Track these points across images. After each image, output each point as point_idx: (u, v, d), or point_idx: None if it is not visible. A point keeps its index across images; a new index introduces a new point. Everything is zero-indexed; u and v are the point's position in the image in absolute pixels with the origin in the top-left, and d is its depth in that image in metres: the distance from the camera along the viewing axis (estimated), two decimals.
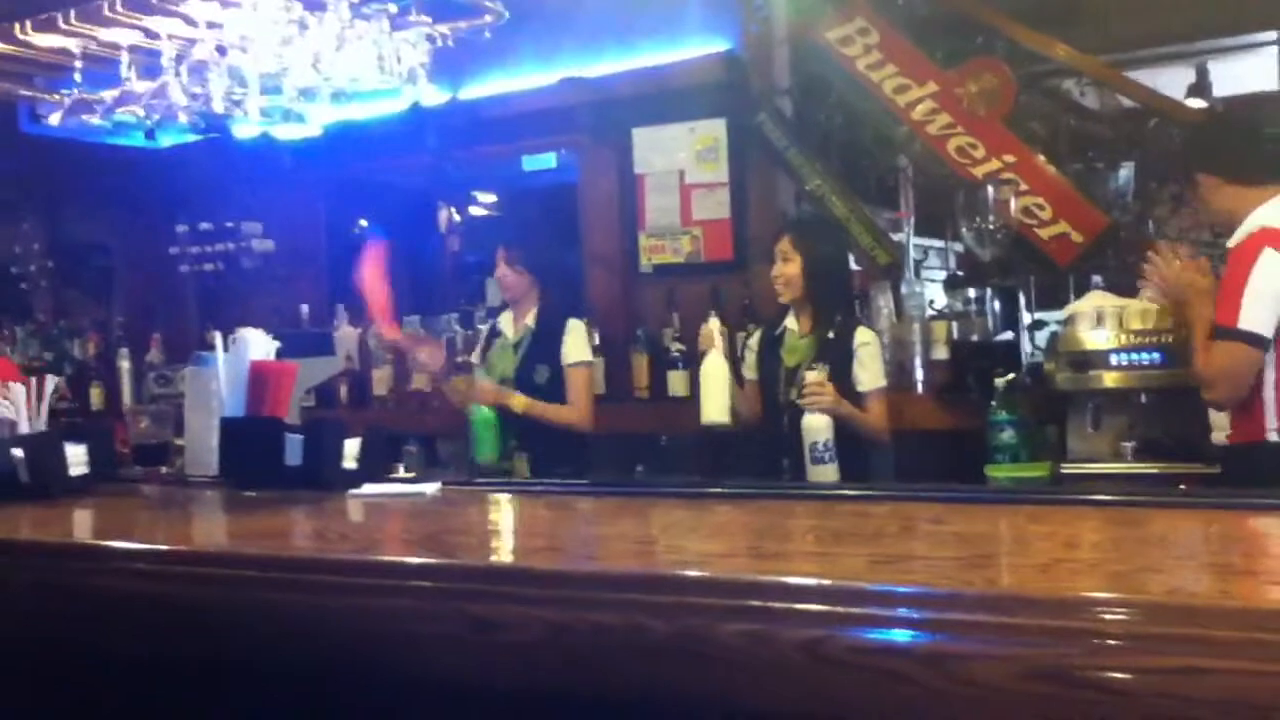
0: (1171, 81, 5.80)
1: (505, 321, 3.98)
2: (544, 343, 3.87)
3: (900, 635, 1.08)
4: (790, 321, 3.57)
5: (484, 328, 4.22)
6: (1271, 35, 4.28)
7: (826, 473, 3.21)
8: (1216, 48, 5.99)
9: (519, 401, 3.72)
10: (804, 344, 3.49)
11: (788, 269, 3.51)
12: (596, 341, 4.58)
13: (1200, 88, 6.37)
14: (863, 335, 3.48)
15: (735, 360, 4.14)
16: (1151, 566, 1.22)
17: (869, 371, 3.45)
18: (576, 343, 3.91)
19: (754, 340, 3.74)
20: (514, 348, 3.89)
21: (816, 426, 3.23)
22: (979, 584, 1.17)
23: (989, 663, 1.03)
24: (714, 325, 3.47)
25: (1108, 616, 1.03)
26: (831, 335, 3.46)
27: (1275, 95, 4.15)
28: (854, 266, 4.06)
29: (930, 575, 1.25)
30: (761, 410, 3.58)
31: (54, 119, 3.36)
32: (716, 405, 3.29)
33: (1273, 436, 2.77)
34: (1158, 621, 1.01)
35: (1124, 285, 3.66)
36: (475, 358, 3.94)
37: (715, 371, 3.33)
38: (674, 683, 1.14)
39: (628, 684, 1.16)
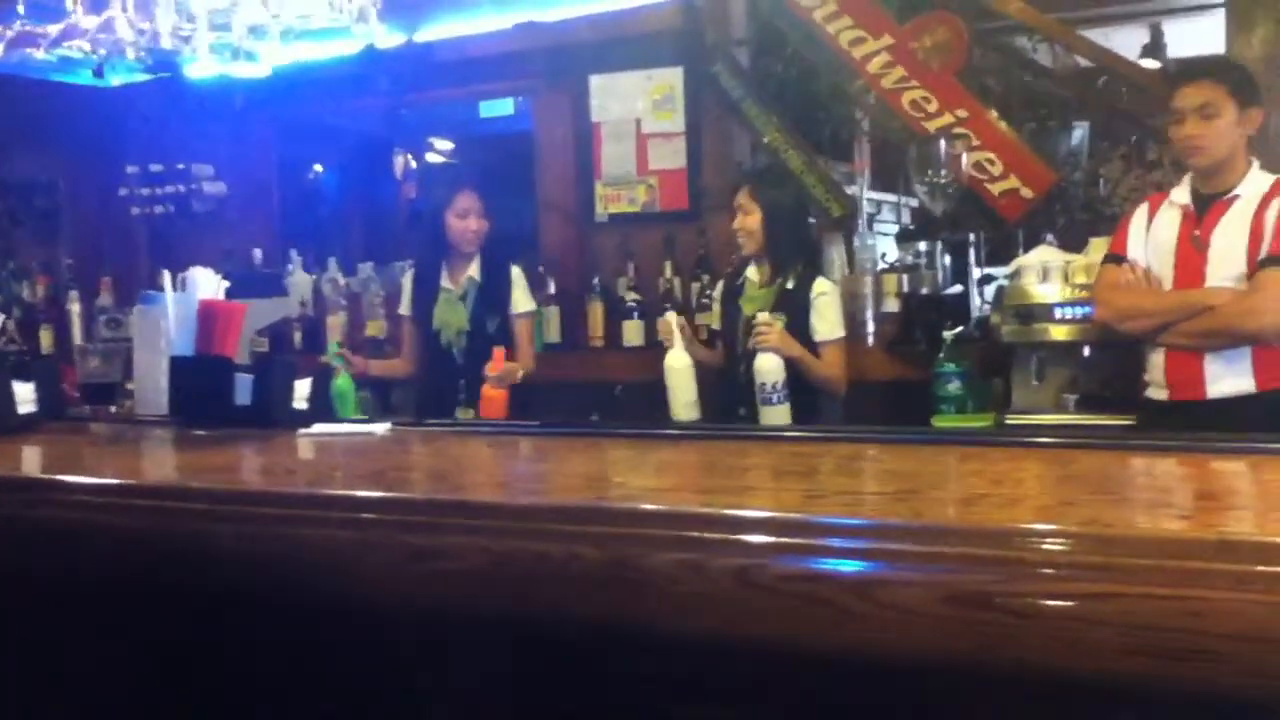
0: (1126, 41, 5.87)
1: (445, 274, 3.90)
2: (491, 293, 3.86)
3: (827, 563, 1.12)
4: (750, 272, 3.61)
5: (406, 279, 4.08)
6: None
7: (777, 414, 3.26)
8: (1168, 8, 6.06)
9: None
10: (763, 294, 3.53)
11: (748, 221, 3.54)
12: (552, 290, 4.60)
13: (1154, 48, 6.45)
14: (820, 286, 3.53)
15: (693, 312, 4.17)
16: (1071, 501, 1.27)
17: (826, 321, 3.50)
18: (523, 292, 3.93)
19: (717, 291, 3.78)
20: (460, 300, 3.86)
21: (767, 368, 3.28)
22: (905, 515, 1.21)
23: (911, 589, 1.08)
24: (672, 319, 3.45)
25: (1026, 545, 1.07)
26: (790, 286, 3.49)
27: (1222, 59, 4.20)
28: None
29: (859, 508, 1.29)
30: (725, 359, 3.63)
31: None
32: (683, 403, 3.30)
33: None
34: (1071, 550, 1.05)
35: (1074, 241, 3.72)
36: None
37: (679, 367, 3.33)
38: (608, 609, 1.18)
39: (562, 611, 1.19)
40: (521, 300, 3.92)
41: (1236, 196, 2.95)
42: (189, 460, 1.93)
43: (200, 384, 2.19)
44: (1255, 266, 2.87)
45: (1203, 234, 2.97)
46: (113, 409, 2.55)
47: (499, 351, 3.57)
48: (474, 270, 3.87)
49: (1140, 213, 3.14)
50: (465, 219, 3.81)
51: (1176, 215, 3.04)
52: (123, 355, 2.66)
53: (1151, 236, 3.07)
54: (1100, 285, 3.18)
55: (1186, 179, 3.07)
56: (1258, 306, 2.84)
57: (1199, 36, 5.78)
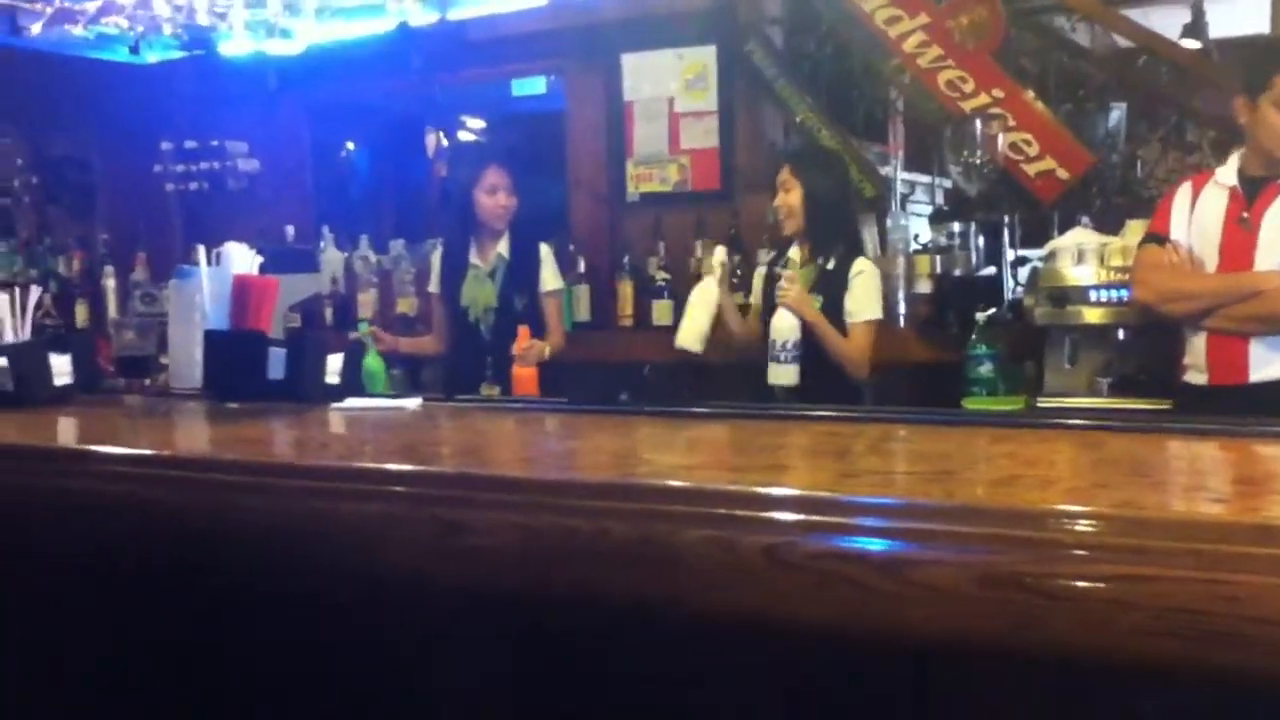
0: (1166, 21, 5.77)
1: (473, 251, 3.92)
2: (520, 271, 3.87)
3: (857, 542, 1.12)
4: (793, 252, 3.60)
5: (435, 257, 4.11)
6: None
7: (784, 373, 3.26)
8: None
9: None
10: (803, 274, 3.51)
11: (790, 199, 3.52)
12: (582, 269, 4.60)
13: (1195, 29, 6.33)
14: (859, 265, 3.50)
15: (732, 288, 4.17)
16: (1104, 483, 1.26)
17: (859, 301, 3.47)
18: (552, 270, 3.93)
19: (757, 278, 3.75)
20: (489, 276, 3.86)
21: (781, 327, 3.28)
22: (937, 495, 1.20)
23: (942, 568, 1.07)
24: (720, 254, 3.48)
25: (1058, 526, 1.06)
26: (829, 266, 3.47)
27: (1268, 39, 4.14)
28: None
29: (890, 487, 1.28)
30: (759, 336, 3.61)
31: (35, 29, 3.32)
32: (693, 332, 3.32)
33: None
34: (1104, 532, 1.04)
35: (1110, 224, 3.68)
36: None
37: (702, 298, 3.35)
38: (637, 586, 1.18)
39: (591, 586, 1.19)
40: (550, 278, 3.93)
41: None
42: (222, 433, 1.95)
43: (234, 358, 2.21)
44: None
45: (1252, 216, 2.90)
46: (147, 382, 2.57)
47: (524, 330, 3.59)
48: (503, 247, 3.88)
49: (1183, 192, 3.08)
50: (494, 195, 3.83)
51: (1223, 196, 2.97)
52: (157, 329, 2.68)
53: (1195, 217, 3.01)
54: (1141, 266, 3.12)
55: (1233, 160, 3.00)
56: None
57: (1241, 16, 5.69)
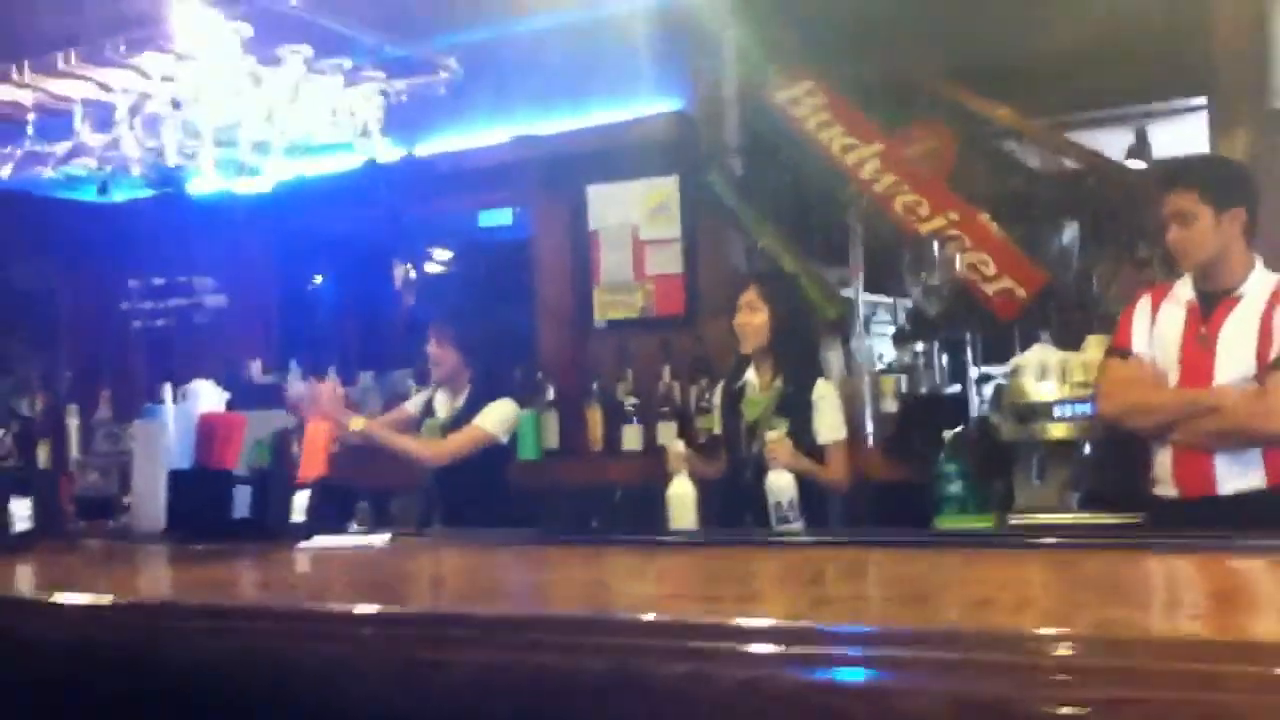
0: (1112, 143, 5.98)
1: (440, 400, 3.93)
2: (464, 420, 3.83)
3: (839, 673, 1.10)
4: (751, 375, 3.59)
5: (418, 398, 4.12)
6: (1203, 100, 4.42)
7: (793, 530, 3.21)
8: (1152, 111, 6.19)
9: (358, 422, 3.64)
10: (764, 398, 3.51)
11: (755, 319, 3.53)
12: (551, 396, 4.60)
13: (1139, 150, 6.57)
14: (821, 388, 3.51)
15: (691, 416, 4.17)
16: (1081, 603, 1.26)
17: (827, 424, 3.48)
18: (493, 412, 3.84)
19: (717, 395, 3.76)
20: (441, 430, 3.87)
21: (780, 486, 3.23)
22: (915, 621, 1.19)
23: (924, 697, 1.06)
24: (679, 449, 3.40)
25: (1038, 650, 1.05)
26: (790, 388, 3.48)
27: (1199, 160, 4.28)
28: None
29: (867, 614, 1.27)
30: (725, 465, 3.59)
31: (4, 171, 3.35)
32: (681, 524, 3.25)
33: None
34: (1085, 655, 1.03)
35: (1069, 340, 3.73)
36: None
37: (681, 494, 3.27)
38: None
39: None
40: (486, 415, 3.85)
41: (1241, 296, 2.92)
42: (187, 576, 1.91)
43: (199, 497, 2.18)
44: (1267, 367, 2.82)
45: (1209, 332, 2.93)
46: (110, 524, 2.53)
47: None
48: (461, 400, 3.87)
49: (1142, 305, 3.10)
50: (433, 348, 3.88)
51: (1181, 311, 3.00)
52: (120, 469, 2.65)
53: (1156, 331, 3.04)
54: (1105, 379, 3.15)
55: (1189, 275, 3.06)
56: (1271, 409, 2.80)
57: (1184, 137, 5.90)
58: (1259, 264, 2.95)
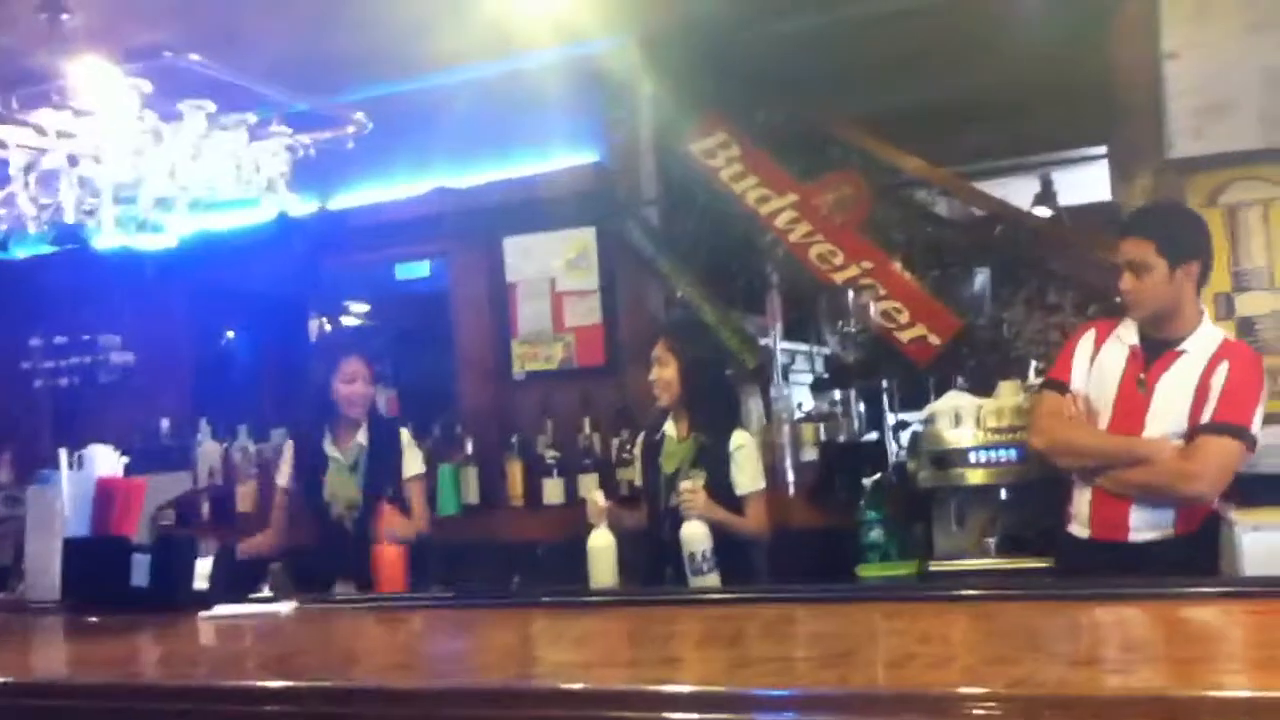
0: (1018, 191, 6.14)
1: (328, 442, 3.72)
2: (382, 459, 3.72)
3: None
4: (669, 427, 3.57)
5: (286, 449, 3.86)
6: (1102, 149, 4.56)
7: (707, 583, 3.18)
8: (1055, 160, 6.38)
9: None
10: (681, 448, 3.49)
11: (665, 372, 3.51)
12: (470, 449, 4.54)
13: (1045, 196, 6.77)
14: (738, 439, 3.49)
15: (613, 468, 4.13)
16: (1002, 658, 1.25)
17: (746, 474, 3.45)
18: (414, 454, 3.81)
19: (637, 447, 3.73)
20: (350, 470, 3.69)
21: (694, 537, 3.20)
22: (834, 682, 1.17)
23: None
24: (599, 500, 3.36)
25: (958, 710, 1.04)
26: (708, 439, 3.46)
27: (1110, 205, 4.41)
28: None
29: (788, 677, 1.25)
30: (646, 517, 3.56)
31: None
32: (604, 582, 3.19)
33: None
34: (1006, 714, 1.02)
35: (983, 384, 3.79)
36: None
37: (600, 546, 3.23)
38: None
39: None
40: (412, 463, 3.80)
41: (1184, 351, 2.92)
42: (81, 651, 1.82)
43: (95, 566, 2.09)
44: (1197, 428, 2.84)
45: (1149, 379, 2.93)
46: (2, 594, 2.41)
47: (388, 507, 3.43)
48: (362, 437, 3.73)
49: (1086, 339, 3.08)
50: (352, 384, 3.68)
51: (1124, 352, 2.99)
52: (16, 536, 2.54)
53: (1096, 367, 3.02)
54: (1039, 412, 3.12)
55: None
56: (1197, 472, 2.82)
57: (1087, 184, 6.09)
58: (1205, 319, 2.97)
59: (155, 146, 2.83)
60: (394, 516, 3.39)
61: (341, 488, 3.66)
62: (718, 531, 3.27)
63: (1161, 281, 2.89)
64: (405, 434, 3.83)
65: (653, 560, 3.42)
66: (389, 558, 3.18)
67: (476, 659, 1.51)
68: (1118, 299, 3.04)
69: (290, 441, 3.87)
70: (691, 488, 3.25)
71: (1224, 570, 2.88)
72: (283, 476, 3.81)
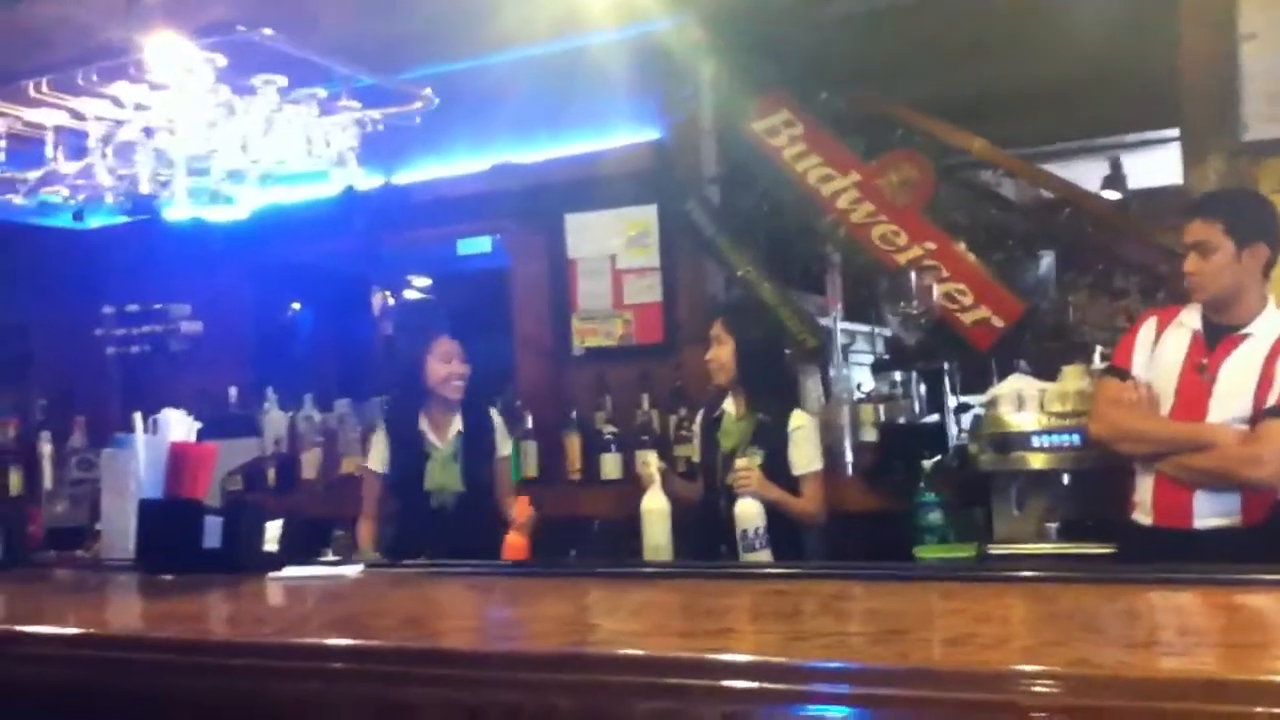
0: (1086, 173, 6.04)
1: (426, 427, 3.62)
2: (479, 445, 3.67)
3: (818, 710, 1.09)
4: (728, 404, 3.59)
5: (378, 435, 3.73)
6: (1175, 132, 4.47)
7: (759, 560, 3.19)
8: (1126, 142, 6.26)
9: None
10: (739, 427, 3.51)
11: (720, 352, 3.53)
12: (529, 425, 4.58)
13: (1114, 180, 6.65)
14: (797, 419, 3.50)
15: (671, 445, 4.15)
16: (1060, 640, 1.25)
17: (803, 454, 3.46)
18: (503, 435, 3.81)
19: (696, 424, 3.75)
20: (452, 459, 3.60)
21: (747, 514, 3.22)
22: (892, 658, 1.18)
23: None
24: (651, 460, 3.34)
25: (1017, 688, 1.04)
26: (766, 418, 3.47)
27: (1181, 189, 4.32)
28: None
29: (844, 651, 1.26)
30: (702, 491, 3.58)
31: None
32: (654, 545, 3.19)
33: None
34: (1064, 693, 1.02)
35: (1045, 369, 3.75)
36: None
37: (654, 509, 3.23)
38: None
39: None
40: (504, 444, 3.81)
41: (1249, 334, 2.89)
42: (154, 609, 1.88)
43: (168, 528, 2.15)
44: (1261, 413, 2.80)
45: (1211, 365, 2.90)
46: (79, 553, 2.49)
47: (523, 500, 3.29)
48: (458, 423, 3.64)
49: (1147, 327, 3.06)
50: (450, 364, 3.58)
51: (1185, 338, 2.96)
52: (91, 498, 2.62)
53: (1157, 354, 3.00)
54: (1100, 399, 3.10)
55: (1198, 305, 2.99)
56: (1260, 456, 2.78)
57: (1156, 168, 5.97)
58: (1271, 304, 2.93)
59: (228, 120, 2.89)
60: (525, 505, 3.25)
61: (446, 478, 3.59)
62: (773, 512, 3.28)
63: (1227, 263, 2.85)
64: (496, 415, 3.81)
65: (708, 536, 3.44)
66: (518, 546, 3.12)
67: (535, 625, 1.54)
68: (1184, 283, 2.99)
69: (384, 425, 3.77)
70: (746, 465, 3.26)
71: None
72: (375, 462, 3.69)
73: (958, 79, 4.69)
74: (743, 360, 3.50)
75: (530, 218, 4.74)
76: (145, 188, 2.88)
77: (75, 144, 3.00)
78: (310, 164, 3.02)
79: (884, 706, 1.07)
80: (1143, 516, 3.00)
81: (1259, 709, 0.94)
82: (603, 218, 4.64)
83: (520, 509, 3.20)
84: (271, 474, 4.82)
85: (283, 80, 2.94)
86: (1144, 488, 2.99)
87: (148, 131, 2.86)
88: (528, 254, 4.82)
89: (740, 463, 3.29)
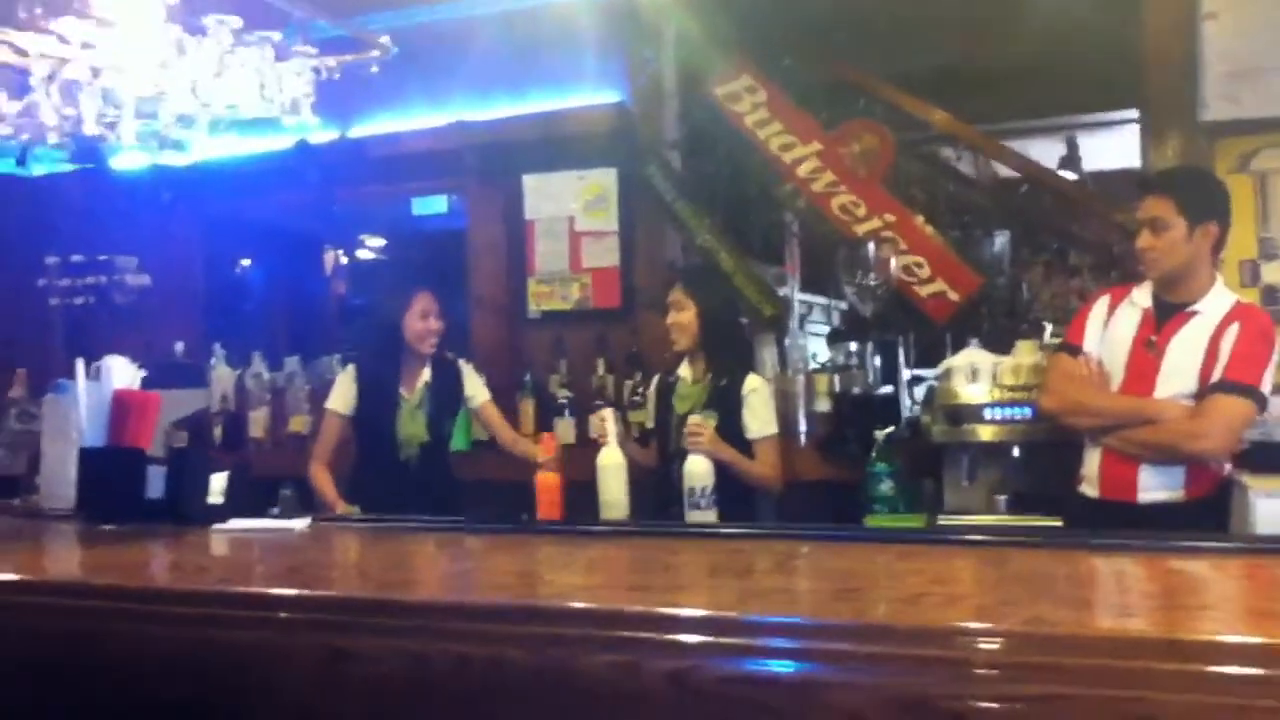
0: (1043, 153, 6.08)
1: (400, 380, 3.69)
2: (445, 396, 3.72)
3: (769, 665, 1.08)
4: (683, 369, 3.58)
5: (345, 376, 3.75)
6: (1132, 114, 4.50)
7: (705, 518, 3.19)
8: (1083, 123, 6.30)
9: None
10: (695, 390, 3.50)
11: (682, 317, 3.51)
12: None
13: (1070, 161, 6.69)
14: (751, 382, 3.50)
15: (625, 410, 4.13)
16: (1013, 600, 1.24)
17: (758, 418, 3.46)
18: (476, 382, 3.84)
19: (651, 389, 3.74)
20: (418, 408, 3.67)
21: (696, 472, 3.21)
22: (847, 614, 1.17)
23: (855, 691, 1.04)
24: (607, 415, 3.30)
25: (970, 646, 1.04)
26: (722, 382, 3.47)
27: (1134, 172, 4.36)
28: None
29: (799, 607, 1.25)
30: (657, 458, 3.57)
31: None
32: (611, 501, 3.15)
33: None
34: (1017, 651, 1.02)
35: (999, 344, 3.77)
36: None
37: (610, 464, 3.19)
38: (537, 714, 1.11)
39: (487, 716, 1.13)
40: (479, 390, 3.82)
41: (1197, 312, 2.94)
42: (94, 556, 1.83)
43: (110, 476, 2.10)
44: (1206, 388, 2.85)
45: (1159, 341, 2.96)
46: (16, 501, 2.43)
47: (548, 436, 3.27)
48: (426, 375, 3.71)
49: (1100, 304, 3.12)
50: (426, 320, 3.64)
51: (1136, 315, 3.02)
52: (31, 447, 2.55)
53: (1108, 331, 3.06)
54: (1052, 374, 3.16)
55: (1150, 282, 3.05)
56: (1204, 430, 2.84)
57: (1112, 149, 6.02)
58: (1219, 282, 2.99)
59: (179, 60, 2.81)
60: (550, 440, 3.21)
61: (414, 428, 3.66)
62: (727, 474, 3.27)
63: (1179, 240, 2.90)
64: (466, 365, 3.83)
65: (659, 501, 3.44)
66: (550, 484, 3.05)
67: (485, 578, 1.52)
68: (1137, 259, 3.03)
69: (352, 369, 3.77)
70: (699, 423, 3.26)
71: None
72: (338, 403, 3.71)
73: (920, 51, 4.68)
74: (703, 325, 3.49)
75: (488, 177, 4.69)
76: (91, 129, 2.79)
77: (18, 82, 2.91)
78: (263, 109, 2.94)
79: (837, 662, 1.06)
80: (1089, 489, 3.05)
81: (1208, 668, 0.95)
82: (562, 179, 4.60)
83: (546, 445, 3.16)
84: (218, 432, 4.75)
85: (237, 21, 2.86)
86: (1091, 461, 3.04)
87: (94, 71, 2.77)
88: (485, 214, 4.77)
89: (693, 419, 3.28)
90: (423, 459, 3.67)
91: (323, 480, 3.66)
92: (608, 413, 3.32)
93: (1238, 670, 0.93)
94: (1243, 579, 1.42)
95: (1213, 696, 0.92)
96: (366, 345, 3.91)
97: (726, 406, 3.41)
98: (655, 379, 3.75)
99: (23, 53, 2.76)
